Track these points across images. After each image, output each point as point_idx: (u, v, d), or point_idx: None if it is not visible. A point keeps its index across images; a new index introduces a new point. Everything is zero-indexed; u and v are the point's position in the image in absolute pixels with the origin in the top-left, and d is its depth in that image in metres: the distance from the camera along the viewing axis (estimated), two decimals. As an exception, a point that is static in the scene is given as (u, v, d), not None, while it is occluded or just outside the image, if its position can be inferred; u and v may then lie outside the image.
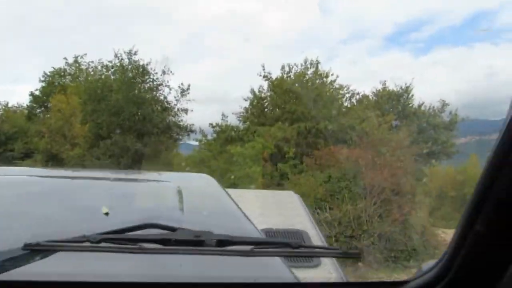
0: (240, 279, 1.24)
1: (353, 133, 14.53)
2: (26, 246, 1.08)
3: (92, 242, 1.11)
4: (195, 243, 1.17)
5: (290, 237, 3.51)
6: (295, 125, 16.02)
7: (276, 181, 13.26)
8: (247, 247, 1.21)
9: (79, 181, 2.53)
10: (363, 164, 10.67)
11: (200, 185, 2.53)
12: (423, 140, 18.94)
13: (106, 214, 1.62)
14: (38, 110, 22.23)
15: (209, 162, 21.66)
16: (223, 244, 1.18)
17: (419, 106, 22.16)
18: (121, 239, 1.15)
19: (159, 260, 1.23)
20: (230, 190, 2.71)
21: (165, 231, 1.23)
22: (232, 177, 14.79)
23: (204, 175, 3.10)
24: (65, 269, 1.18)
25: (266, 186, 13.62)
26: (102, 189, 2.16)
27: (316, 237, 3.91)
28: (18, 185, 2.05)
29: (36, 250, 1.11)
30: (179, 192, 2.06)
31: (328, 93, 18.72)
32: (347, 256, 1.51)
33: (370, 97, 21.38)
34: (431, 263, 1.07)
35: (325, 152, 12.91)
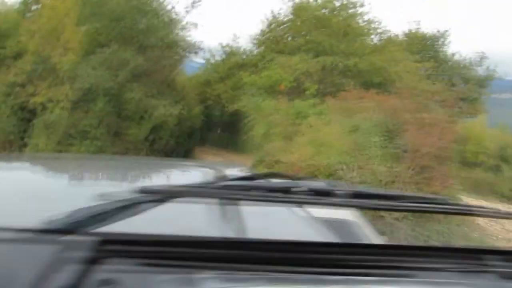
0: None
1: (389, 77, 12.38)
2: (143, 191, 0.85)
3: (215, 188, 0.95)
4: (327, 193, 0.93)
5: (335, 228, 2.50)
6: (320, 58, 13.81)
7: (292, 119, 11.33)
8: (392, 202, 0.94)
9: None
10: (403, 118, 8.71)
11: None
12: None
13: None
14: (33, 7, 19.74)
15: (215, 85, 19.69)
16: (360, 196, 0.94)
17: (453, 55, 19.80)
18: (246, 186, 0.96)
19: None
20: None
21: (290, 180, 1.07)
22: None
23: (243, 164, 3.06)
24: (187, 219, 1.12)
25: (278, 125, 11.74)
26: None
27: (364, 228, 3.26)
28: None
29: (153, 193, 0.87)
30: None
31: (359, 26, 16.25)
32: (504, 217, 1.11)
33: (401, 38, 18.93)
34: None
35: (353, 95, 10.85)
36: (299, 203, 1.03)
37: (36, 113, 13.91)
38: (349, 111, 9.99)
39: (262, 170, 11.67)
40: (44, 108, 13.85)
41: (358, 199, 0.94)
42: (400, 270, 0.80)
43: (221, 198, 0.99)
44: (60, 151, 12.95)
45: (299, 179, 1.08)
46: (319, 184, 1.03)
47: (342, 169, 8.06)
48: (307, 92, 12.94)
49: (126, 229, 0.74)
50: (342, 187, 0.98)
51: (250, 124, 13.85)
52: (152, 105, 14.09)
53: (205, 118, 20.50)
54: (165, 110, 14.05)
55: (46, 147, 13.13)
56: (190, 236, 0.78)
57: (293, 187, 0.93)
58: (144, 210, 0.86)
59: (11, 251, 0.70)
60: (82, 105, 13.74)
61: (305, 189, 0.93)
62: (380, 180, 7.65)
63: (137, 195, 0.83)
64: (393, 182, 7.66)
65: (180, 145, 16.49)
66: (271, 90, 13.31)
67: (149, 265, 0.71)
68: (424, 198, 1.07)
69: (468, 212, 1.08)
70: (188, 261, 0.73)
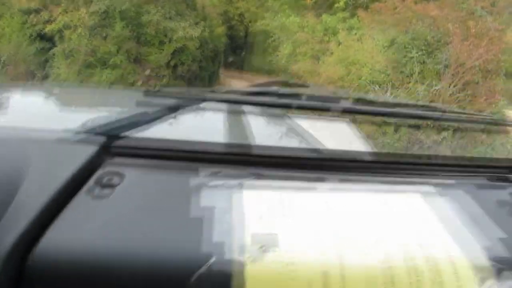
0: None
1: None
2: (146, 92, 0.87)
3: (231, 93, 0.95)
4: (332, 99, 0.92)
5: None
6: (349, -35, 12.35)
7: (319, 36, 10.36)
8: (391, 108, 0.92)
9: None
10: (445, 28, 7.64)
11: None
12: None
13: None
14: None
15: (238, 2, 18.44)
16: (362, 103, 0.93)
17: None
18: (250, 92, 0.93)
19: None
20: None
21: (303, 88, 1.07)
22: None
23: None
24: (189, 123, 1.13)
25: (304, 44, 10.82)
26: None
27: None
28: None
29: (155, 95, 0.88)
30: None
31: None
32: None
33: None
34: None
35: (388, 6, 9.64)
36: (300, 108, 0.97)
37: (55, 42, 13.39)
38: (384, 24, 8.90)
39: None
40: (61, 36, 13.29)
41: (360, 107, 0.91)
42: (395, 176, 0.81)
43: (240, 103, 0.96)
44: (82, 81, 12.62)
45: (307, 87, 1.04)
46: (323, 90, 0.84)
47: (374, 90, 7.30)
48: (336, 6, 11.72)
49: (149, 135, 0.80)
50: (345, 94, 1.05)
51: (275, 44, 12.94)
52: (171, 27, 13.26)
53: (228, 40, 19.53)
54: (184, 32, 13.23)
55: (67, 76, 12.77)
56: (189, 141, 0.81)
57: (292, 94, 0.91)
58: (175, 115, 0.88)
59: (51, 149, 0.74)
60: (100, 30, 13.07)
61: (305, 96, 0.90)
62: (418, 100, 6.89)
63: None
64: (432, 101, 6.88)
65: (203, 69, 15.81)
66: (296, 5, 12.17)
67: (153, 165, 0.76)
68: (430, 107, 1.02)
69: (471, 120, 1.00)
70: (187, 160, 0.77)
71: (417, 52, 7.40)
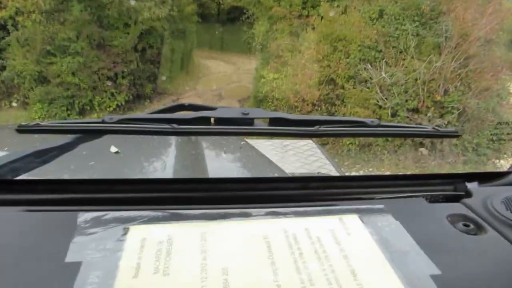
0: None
1: None
2: (20, 127, 0.79)
3: (108, 123, 0.81)
4: (243, 122, 0.84)
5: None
6: None
7: (298, 10, 9.24)
8: (310, 127, 0.87)
9: None
10: (442, -5, 6.64)
11: None
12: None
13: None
14: None
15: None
16: (278, 123, 0.86)
17: None
18: (149, 119, 0.84)
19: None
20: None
21: (204, 111, 0.91)
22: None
23: None
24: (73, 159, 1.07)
25: (281, 19, 9.69)
26: None
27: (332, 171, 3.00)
28: None
29: (33, 132, 0.80)
30: None
31: None
32: (442, 135, 0.95)
33: None
34: None
35: (372, -27, 8.57)
36: (203, 134, 0.92)
37: (8, 30, 11.93)
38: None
39: (268, 74, 10.01)
40: (15, 23, 11.85)
41: (276, 126, 0.86)
42: (328, 201, 0.79)
43: (115, 133, 0.87)
44: (41, 72, 11.31)
45: (214, 109, 0.91)
46: (233, 111, 0.88)
47: (366, 69, 6.32)
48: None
49: (23, 176, 0.75)
50: (256, 113, 0.86)
51: (250, 21, 11.77)
52: (135, 8, 11.93)
53: (200, 18, 18.18)
54: (150, 13, 11.94)
55: (24, 68, 11.41)
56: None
57: (202, 117, 0.85)
58: (35, 147, 0.83)
59: None
60: (57, 15, 11.66)
61: (213, 118, 0.84)
62: (416, 79, 5.96)
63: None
64: (432, 80, 5.96)
65: (174, 51, 14.56)
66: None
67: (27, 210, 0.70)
68: (351, 121, 0.94)
69: (401, 133, 0.97)
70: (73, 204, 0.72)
71: (410, 24, 6.41)
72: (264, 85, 9.41)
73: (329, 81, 6.97)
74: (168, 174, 1.18)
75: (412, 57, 6.20)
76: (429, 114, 5.83)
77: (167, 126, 0.79)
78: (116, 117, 0.82)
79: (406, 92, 5.90)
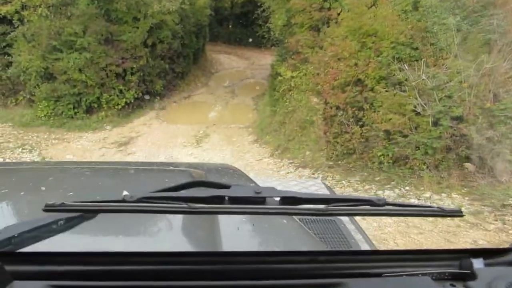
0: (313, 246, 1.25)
1: None
2: (47, 207, 0.81)
3: (129, 202, 0.85)
4: (255, 201, 0.86)
5: (324, 224, 2.44)
6: None
7: (319, 3, 8.30)
8: (320, 206, 0.88)
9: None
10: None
11: (226, 175, 2.17)
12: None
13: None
14: None
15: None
16: (289, 202, 0.88)
17: None
18: (166, 198, 0.87)
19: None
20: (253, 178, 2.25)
21: (218, 189, 0.95)
22: None
23: (228, 164, 2.60)
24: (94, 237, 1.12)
25: (301, 12, 8.76)
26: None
27: (350, 225, 2.59)
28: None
29: (58, 211, 0.83)
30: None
31: None
32: (447, 215, 0.96)
33: None
34: None
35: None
36: (218, 213, 0.93)
37: (14, 25, 11.25)
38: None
39: (285, 72, 9.13)
40: (20, 17, 11.18)
41: (287, 205, 0.87)
42: (332, 278, 0.79)
43: (135, 212, 0.89)
44: (47, 68, 10.61)
45: (227, 187, 0.94)
46: (246, 190, 0.91)
47: (401, 69, 5.42)
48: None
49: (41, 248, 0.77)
50: (269, 192, 0.88)
51: (265, 14, 10.87)
52: (144, 1, 11.12)
53: (213, 12, 17.33)
54: (161, 6, 11.13)
55: (30, 64, 10.72)
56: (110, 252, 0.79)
57: (216, 196, 0.87)
58: (60, 227, 0.86)
59: None
60: (64, 10, 10.91)
61: (228, 197, 0.87)
62: (460, 82, 5.03)
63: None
64: (480, 83, 5.02)
65: (186, 46, 13.74)
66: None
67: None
68: (358, 200, 0.96)
69: (407, 213, 0.93)
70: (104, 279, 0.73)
71: (453, 18, 5.46)
72: (281, 84, 8.54)
73: (356, 82, 6.06)
74: (175, 246, 1.16)
75: (456, 56, 5.27)
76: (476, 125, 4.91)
77: (184, 205, 0.83)
78: (136, 196, 0.84)
79: (450, 97, 4.98)
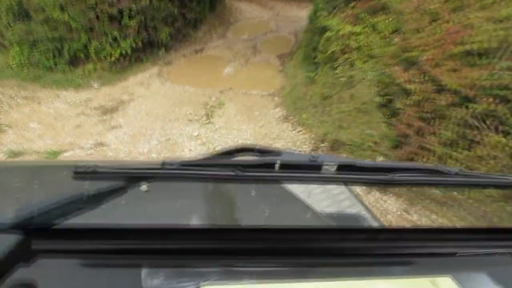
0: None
1: None
2: (77, 173, 0.70)
3: (169, 169, 0.73)
4: (310, 167, 0.76)
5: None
6: None
7: None
8: (383, 175, 0.77)
9: None
10: None
11: None
12: None
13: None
14: None
15: None
16: (348, 170, 0.78)
17: None
18: (210, 164, 0.76)
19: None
20: None
21: (269, 155, 0.82)
22: None
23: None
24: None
25: None
26: None
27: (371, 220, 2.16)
28: None
29: (90, 178, 0.72)
30: None
31: None
32: None
33: None
34: None
35: None
36: (268, 181, 0.81)
37: None
38: None
39: (340, 25, 6.38)
40: None
41: (346, 172, 0.77)
42: (397, 257, 0.71)
43: (177, 179, 0.77)
44: (20, 3, 8.02)
45: (279, 154, 0.82)
46: (300, 156, 0.79)
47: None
48: None
49: (80, 225, 0.68)
50: (326, 159, 0.77)
51: None
52: None
53: None
54: None
55: None
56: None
57: (267, 163, 0.76)
58: (91, 191, 0.75)
59: None
60: None
61: (280, 163, 0.75)
62: None
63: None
64: None
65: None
66: None
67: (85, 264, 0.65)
68: (427, 169, 0.83)
69: (484, 183, 0.82)
70: (134, 253, 0.66)
71: None
72: (328, 43, 5.89)
73: (501, 51, 3.42)
74: (211, 220, 0.99)
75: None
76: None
77: (230, 172, 0.73)
78: (177, 161, 0.74)
79: None
